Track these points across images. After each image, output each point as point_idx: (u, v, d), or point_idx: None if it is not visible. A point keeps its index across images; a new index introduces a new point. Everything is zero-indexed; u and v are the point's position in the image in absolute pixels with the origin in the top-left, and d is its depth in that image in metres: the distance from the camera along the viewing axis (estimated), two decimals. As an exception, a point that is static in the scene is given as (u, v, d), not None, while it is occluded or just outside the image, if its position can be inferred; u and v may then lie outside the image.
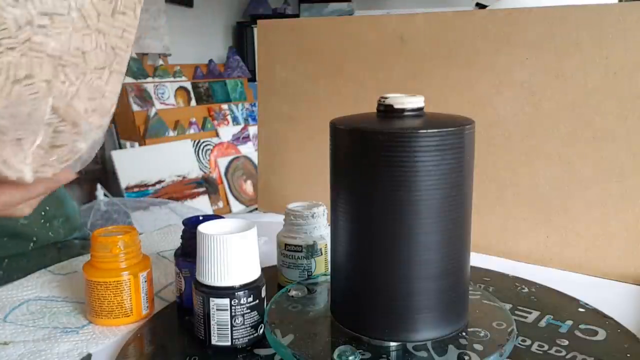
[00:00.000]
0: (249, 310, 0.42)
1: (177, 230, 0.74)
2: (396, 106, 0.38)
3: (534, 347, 0.43)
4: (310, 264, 0.53)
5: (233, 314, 0.42)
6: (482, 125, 0.63)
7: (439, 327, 0.39)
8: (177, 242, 0.51)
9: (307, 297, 0.46)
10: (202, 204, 2.67)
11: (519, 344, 0.43)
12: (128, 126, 2.57)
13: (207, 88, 3.02)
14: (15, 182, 0.50)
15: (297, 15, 3.41)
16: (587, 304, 0.50)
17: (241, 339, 0.43)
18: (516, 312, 0.49)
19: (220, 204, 2.80)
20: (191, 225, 0.48)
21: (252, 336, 0.43)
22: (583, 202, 0.60)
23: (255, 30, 2.98)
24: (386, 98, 0.39)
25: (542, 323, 0.47)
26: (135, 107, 2.58)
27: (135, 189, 2.43)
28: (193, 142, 2.77)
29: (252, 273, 0.43)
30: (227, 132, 2.98)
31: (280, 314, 0.43)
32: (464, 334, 0.40)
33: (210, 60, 3.14)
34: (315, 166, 0.79)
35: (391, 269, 0.38)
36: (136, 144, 2.54)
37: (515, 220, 0.64)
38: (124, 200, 2.22)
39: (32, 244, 0.70)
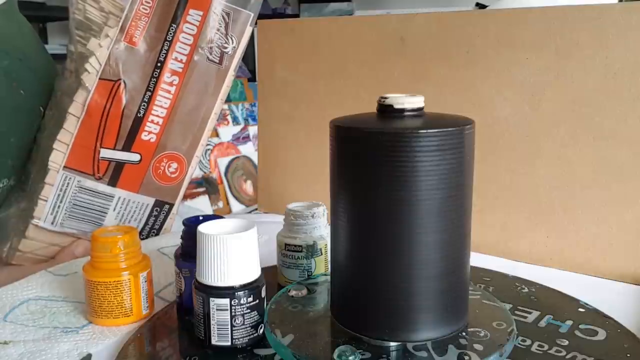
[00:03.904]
0: (249, 310, 0.42)
1: (177, 230, 0.74)
2: (396, 106, 0.38)
3: (534, 347, 0.43)
4: (310, 264, 0.53)
5: (233, 314, 0.42)
6: (482, 125, 0.63)
7: (439, 327, 0.39)
8: (177, 241, 0.51)
9: (307, 297, 0.46)
10: (202, 204, 2.66)
11: (519, 344, 0.43)
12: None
13: (207, 88, 3.01)
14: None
15: (297, 15, 3.41)
16: (587, 304, 0.50)
17: (241, 339, 0.43)
18: (516, 312, 0.49)
19: (220, 204, 2.80)
20: (191, 225, 0.48)
21: (252, 336, 0.43)
22: (583, 202, 0.60)
23: (256, 30, 2.96)
24: (386, 98, 0.39)
25: (542, 323, 0.47)
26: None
27: (135, 189, 2.42)
28: (193, 142, 2.76)
29: (252, 273, 0.43)
30: (227, 132, 2.98)
31: (280, 314, 0.43)
32: (464, 334, 0.40)
33: (210, 60, 3.14)
34: (315, 166, 0.79)
35: (391, 269, 0.38)
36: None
37: (515, 220, 0.64)
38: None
39: None
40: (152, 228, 0.66)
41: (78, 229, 0.64)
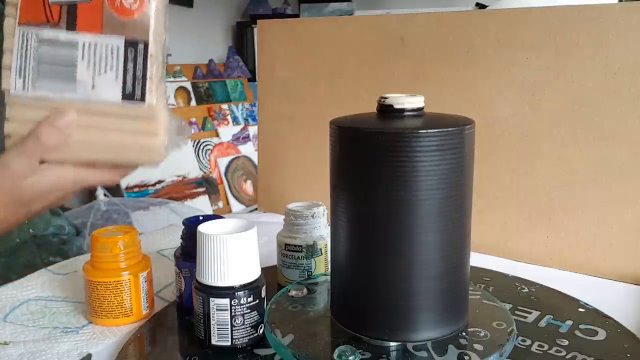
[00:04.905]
0: (249, 310, 0.42)
1: (177, 230, 0.74)
2: (396, 106, 0.38)
3: (534, 347, 0.43)
4: (310, 264, 0.53)
5: (233, 314, 0.42)
6: (482, 125, 0.63)
7: (439, 327, 0.39)
8: (177, 242, 0.51)
9: (307, 297, 0.46)
10: (202, 204, 2.67)
11: (519, 344, 0.43)
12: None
13: (207, 88, 3.02)
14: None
15: (297, 15, 3.41)
16: (587, 304, 0.50)
17: (241, 339, 0.43)
18: (516, 312, 0.49)
19: (220, 204, 2.80)
20: (191, 225, 0.48)
21: (252, 336, 0.43)
22: (583, 202, 0.60)
23: (255, 30, 2.97)
24: (386, 98, 0.39)
25: (542, 323, 0.47)
26: (135, 107, 2.57)
27: (135, 189, 2.43)
28: (193, 142, 2.77)
29: (252, 273, 0.43)
30: (227, 132, 2.98)
31: (280, 314, 0.43)
32: (464, 334, 0.40)
33: (210, 60, 3.14)
34: (315, 166, 0.79)
35: (391, 269, 0.38)
36: (136, 144, 2.54)
37: (515, 220, 0.64)
38: (124, 201, 2.21)
39: (17, 239, 0.70)
40: (135, 77, 0.61)
41: (52, 89, 0.61)
